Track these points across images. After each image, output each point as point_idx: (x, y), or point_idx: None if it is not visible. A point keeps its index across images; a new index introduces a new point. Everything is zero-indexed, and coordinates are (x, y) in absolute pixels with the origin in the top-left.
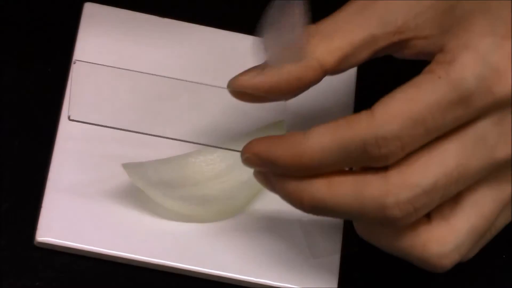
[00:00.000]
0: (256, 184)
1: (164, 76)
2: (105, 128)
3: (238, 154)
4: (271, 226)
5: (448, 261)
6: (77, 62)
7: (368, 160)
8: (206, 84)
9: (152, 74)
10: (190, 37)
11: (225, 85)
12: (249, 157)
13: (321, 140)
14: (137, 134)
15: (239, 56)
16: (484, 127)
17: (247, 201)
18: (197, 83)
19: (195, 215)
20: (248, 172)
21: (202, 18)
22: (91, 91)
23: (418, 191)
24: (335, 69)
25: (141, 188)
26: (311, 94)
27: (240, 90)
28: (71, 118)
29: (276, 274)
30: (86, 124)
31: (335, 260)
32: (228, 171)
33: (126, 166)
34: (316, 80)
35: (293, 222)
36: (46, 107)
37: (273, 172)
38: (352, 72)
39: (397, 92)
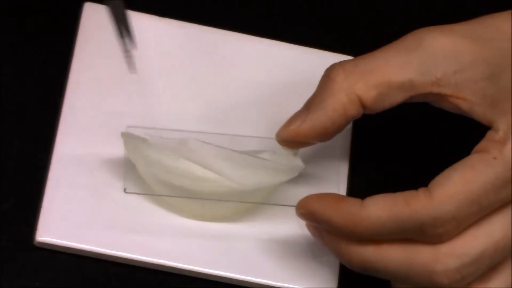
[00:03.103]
0: (255, 184)
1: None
2: (104, 128)
3: (244, 158)
4: (271, 226)
5: None
6: (128, 128)
7: (423, 237)
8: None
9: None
10: (189, 37)
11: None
12: (304, 214)
13: (378, 214)
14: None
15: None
16: None
17: (247, 204)
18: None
19: (181, 207)
20: (248, 174)
21: (201, 18)
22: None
23: (466, 260)
24: (372, 107)
25: (133, 161)
26: None
27: (291, 140)
28: (127, 191)
29: (276, 274)
30: (85, 124)
31: (335, 260)
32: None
33: (125, 135)
34: (357, 115)
35: (293, 222)
36: (46, 107)
37: (325, 229)
38: None
39: (453, 173)
